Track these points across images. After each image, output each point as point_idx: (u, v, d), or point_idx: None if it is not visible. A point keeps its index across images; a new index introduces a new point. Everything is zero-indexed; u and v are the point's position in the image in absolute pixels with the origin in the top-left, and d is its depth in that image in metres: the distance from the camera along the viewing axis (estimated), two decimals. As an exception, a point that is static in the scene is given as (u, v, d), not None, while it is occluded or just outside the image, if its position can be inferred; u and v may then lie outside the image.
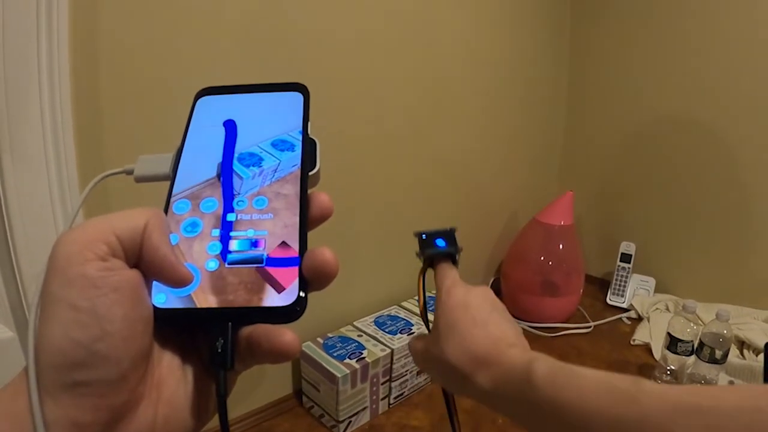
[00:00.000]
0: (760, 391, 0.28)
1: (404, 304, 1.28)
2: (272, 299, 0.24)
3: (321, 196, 0.27)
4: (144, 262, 0.23)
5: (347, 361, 1.01)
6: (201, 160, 0.29)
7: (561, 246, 1.41)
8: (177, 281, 0.24)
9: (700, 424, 0.27)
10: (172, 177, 0.29)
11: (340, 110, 1.07)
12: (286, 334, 0.23)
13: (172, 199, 0.27)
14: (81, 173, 0.74)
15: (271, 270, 0.25)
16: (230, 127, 0.30)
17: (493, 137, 1.48)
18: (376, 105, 1.14)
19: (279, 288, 0.24)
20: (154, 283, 0.24)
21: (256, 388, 1.06)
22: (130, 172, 0.31)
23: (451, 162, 1.36)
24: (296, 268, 0.25)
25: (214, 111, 0.31)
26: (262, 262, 0.25)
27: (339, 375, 0.97)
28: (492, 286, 1.57)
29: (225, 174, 0.28)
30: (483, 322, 0.43)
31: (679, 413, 0.28)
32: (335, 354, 1.03)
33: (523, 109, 1.55)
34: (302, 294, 0.24)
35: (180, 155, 0.29)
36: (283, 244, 0.26)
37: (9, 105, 0.67)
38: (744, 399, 0.27)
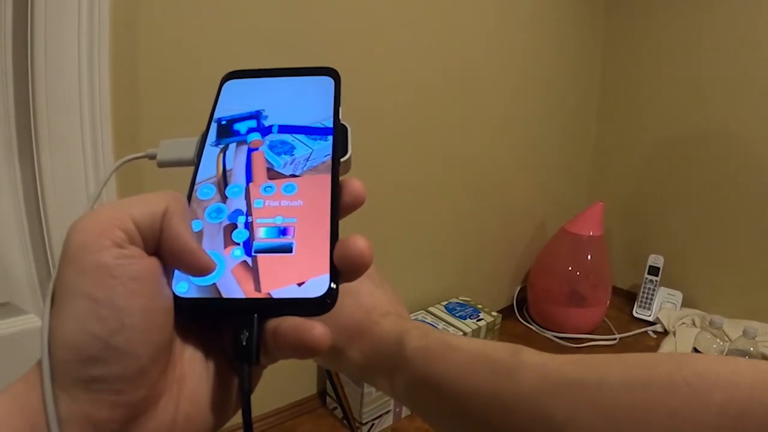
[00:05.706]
0: (648, 361, 0.25)
1: (431, 309, 1.27)
2: (301, 290, 0.23)
3: (353, 183, 0.26)
4: (164, 249, 0.22)
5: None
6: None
7: (589, 257, 1.39)
8: (198, 270, 0.22)
9: (582, 400, 0.24)
10: (196, 162, 0.27)
11: (367, 112, 1.05)
12: (315, 328, 0.22)
13: (197, 185, 0.26)
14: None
15: (301, 259, 0.23)
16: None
17: (523, 145, 1.46)
18: (404, 110, 1.12)
19: (308, 278, 0.23)
20: (176, 271, 0.23)
21: (280, 387, 1.06)
22: (152, 157, 0.30)
23: (479, 169, 1.34)
24: (327, 258, 0.23)
25: (241, 95, 0.30)
26: (290, 251, 0.24)
27: (365, 378, 0.96)
28: (518, 296, 1.56)
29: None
30: (354, 290, 0.39)
31: (561, 388, 0.26)
32: (361, 357, 1.02)
33: (553, 118, 1.53)
34: (333, 285, 0.23)
35: (205, 140, 0.28)
36: (313, 233, 0.24)
37: (48, 94, 0.67)
38: (631, 372, 0.24)
